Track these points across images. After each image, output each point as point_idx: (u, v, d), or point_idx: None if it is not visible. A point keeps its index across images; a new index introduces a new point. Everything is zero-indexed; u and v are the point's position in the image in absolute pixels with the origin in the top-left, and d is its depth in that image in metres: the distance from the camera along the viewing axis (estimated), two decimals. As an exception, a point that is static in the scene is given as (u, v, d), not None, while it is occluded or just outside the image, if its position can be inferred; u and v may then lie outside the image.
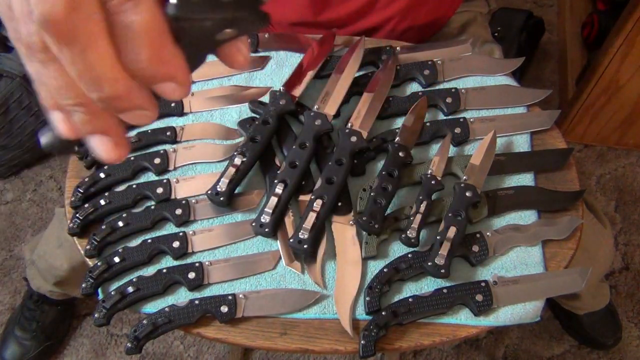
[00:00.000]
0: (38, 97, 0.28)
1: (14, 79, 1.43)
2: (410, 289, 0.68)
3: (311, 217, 0.68)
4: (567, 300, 1.24)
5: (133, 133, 0.77)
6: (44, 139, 0.30)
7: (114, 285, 0.67)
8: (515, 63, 0.85)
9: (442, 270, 0.66)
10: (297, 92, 0.78)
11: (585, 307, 1.27)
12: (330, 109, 0.76)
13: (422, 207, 0.69)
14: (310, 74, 0.80)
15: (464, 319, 0.66)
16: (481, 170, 0.73)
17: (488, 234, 0.70)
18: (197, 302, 0.65)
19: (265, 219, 0.69)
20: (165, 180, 0.73)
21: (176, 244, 0.69)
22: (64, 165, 1.57)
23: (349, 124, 0.75)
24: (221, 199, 0.70)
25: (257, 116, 0.77)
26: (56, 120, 0.29)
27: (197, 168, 0.76)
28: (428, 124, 0.78)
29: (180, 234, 0.70)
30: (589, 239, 0.92)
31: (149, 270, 0.68)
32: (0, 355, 1.29)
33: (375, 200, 0.69)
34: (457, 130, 0.78)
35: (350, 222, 0.71)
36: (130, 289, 0.65)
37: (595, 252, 0.98)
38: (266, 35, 0.86)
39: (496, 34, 1.67)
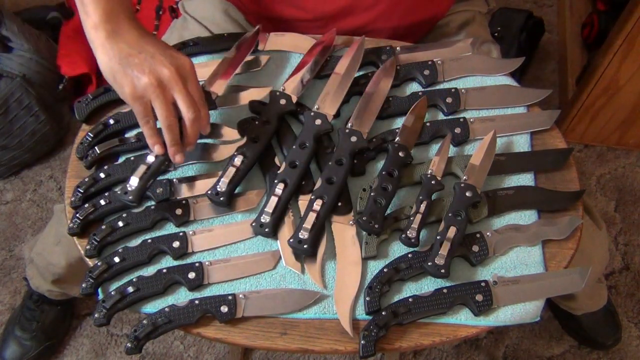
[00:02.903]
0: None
1: (14, 79, 1.43)
2: (410, 289, 0.68)
3: (311, 217, 0.68)
4: (563, 300, 1.23)
5: (133, 133, 0.77)
6: None
7: (114, 285, 0.67)
8: (515, 63, 0.85)
9: (442, 270, 0.66)
10: (297, 92, 0.78)
11: (582, 308, 1.27)
12: (330, 109, 0.76)
13: (422, 207, 0.69)
14: (310, 74, 0.80)
15: (464, 319, 0.66)
16: (481, 170, 0.73)
17: (488, 234, 0.70)
18: (197, 302, 0.65)
19: (265, 219, 0.69)
20: (165, 180, 0.73)
21: (176, 244, 0.69)
22: (64, 165, 1.57)
23: (349, 124, 0.75)
24: (221, 199, 0.70)
25: (257, 116, 0.77)
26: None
27: (197, 168, 0.76)
28: (428, 124, 0.78)
29: (180, 234, 0.70)
30: (584, 240, 0.91)
31: (149, 270, 0.68)
32: (0, 355, 1.29)
33: (375, 200, 0.70)
34: (457, 130, 0.78)
35: (350, 222, 0.71)
36: (130, 289, 0.65)
37: (590, 254, 0.98)
38: (266, 35, 0.86)
39: (496, 34, 1.67)
